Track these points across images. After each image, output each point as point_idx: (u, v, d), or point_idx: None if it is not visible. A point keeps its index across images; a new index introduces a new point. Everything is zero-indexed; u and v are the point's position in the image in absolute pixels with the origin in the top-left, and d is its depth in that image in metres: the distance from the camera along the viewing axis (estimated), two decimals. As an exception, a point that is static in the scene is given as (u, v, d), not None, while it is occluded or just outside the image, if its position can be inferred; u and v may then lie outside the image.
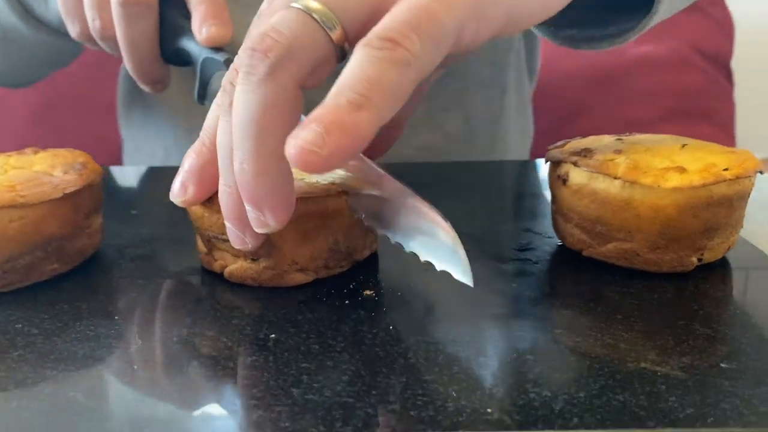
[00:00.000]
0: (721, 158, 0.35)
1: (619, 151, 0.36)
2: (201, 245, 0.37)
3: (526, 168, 0.62)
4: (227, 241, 0.33)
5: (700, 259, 0.36)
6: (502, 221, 0.45)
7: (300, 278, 0.35)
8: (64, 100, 1.36)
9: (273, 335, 0.30)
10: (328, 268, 0.36)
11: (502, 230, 0.43)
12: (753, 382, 0.26)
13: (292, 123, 0.27)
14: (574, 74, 1.31)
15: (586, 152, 0.37)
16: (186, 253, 0.39)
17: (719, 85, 1.30)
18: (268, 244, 0.33)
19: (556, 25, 0.43)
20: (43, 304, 0.33)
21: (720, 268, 0.37)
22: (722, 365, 0.27)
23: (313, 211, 0.33)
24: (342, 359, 0.28)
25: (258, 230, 0.30)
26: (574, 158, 0.37)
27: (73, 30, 0.48)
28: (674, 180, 0.34)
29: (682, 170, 0.34)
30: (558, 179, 0.38)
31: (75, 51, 0.61)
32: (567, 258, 0.38)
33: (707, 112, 1.26)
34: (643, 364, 0.27)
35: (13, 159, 0.39)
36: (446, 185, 0.54)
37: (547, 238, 0.41)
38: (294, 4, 0.27)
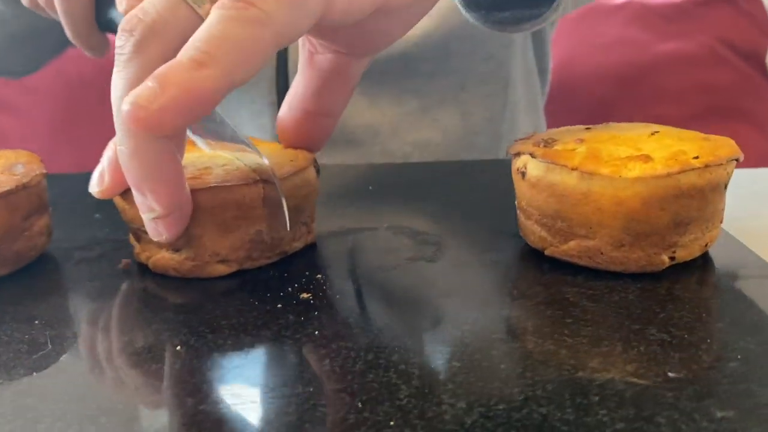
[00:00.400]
0: (692, 145, 0.32)
1: (581, 140, 0.33)
2: (132, 238, 0.36)
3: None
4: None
5: (672, 258, 0.32)
6: (473, 222, 0.42)
7: (222, 269, 0.33)
8: (83, 111, 1.38)
9: (187, 341, 0.28)
10: (252, 259, 0.34)
11: (469, 231, 0.40)
12: (699, 395, 0.23)
13: None
14: (598, 72, 1.27)
15: (546, 142, 0.34)
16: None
17: (754, 82, 1.24)
18: (187, 235, 0.32)
19: (487, 9, 0.41)
20: (-32, 309, 0.32)
21: (698, 268, 0.33)
22: (669, 374, 0.24)
23: (230, 201, 0.32)
24: (253, 368, 0.26)
25: (145, 216, 0.29)
26: (532, 149, 0.34)
27: None
28: (636, 169, 0.31)
29: (646, 159, 0.31)
30: (518, 173, 0.35)
31: (51, 28, 0.62)
32: (529, 258, 0.35)
33: (741, 111, 1.21)
34: (579, 373, 0.24)
35: (-45, 161, 0.38)
36: (427, 185, 0.51)
37: (515, 238, 0.38)
38: None
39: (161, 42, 0.26)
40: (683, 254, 0.33)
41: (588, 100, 1.26)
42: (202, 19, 0.27)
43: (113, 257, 0.38)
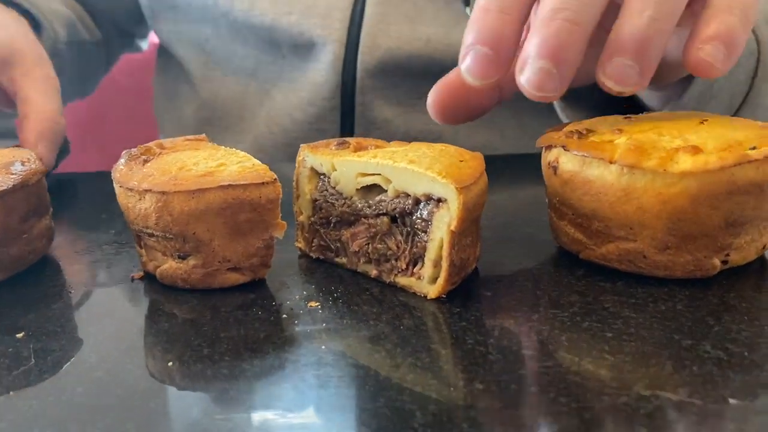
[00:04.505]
0: (747, 135, 0.28)
1: (620, 131, 0.30)
2: (137, 245, 0.33)
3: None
4: (153, 236, 0.30)
5: (725, 262, 0.29)
6: (499, 223, 0.38)
7: (234, 278, 0.31)
8: (109, 110, 1.37)
9: (180, 356, 0.25)
10: (268, 266, 0.31)
11: (495, 233, 0.37)
12: (765, 425, 0.19)
13: None
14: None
15: (581, 133, 0.31)
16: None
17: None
18: (195, 240, 0.29)
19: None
20: (-45, 319, 0.30)
21: (754, 273, 0.30)
22: (730, 401, 0.21)
23: (244, 201, 0.29)
24: (248, 387, 0.23)
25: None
26: (565, 141, 0.30)
27: None
28: (685, 162, 0.27)
29: (696, 150, 0.27)
30: (549, 167, 0.32)
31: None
32: (562, 263, 0.32)
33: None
34: (623, 399, 0.21)
35: (-51, 160, 0.36)
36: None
37: (545, 240, 0.35)
38: None
39: None
40: (737, 258, 0.29)
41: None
42: None
43: (116, 262, 0.36)
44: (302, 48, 0.57)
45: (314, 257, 0.34)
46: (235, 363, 0.24)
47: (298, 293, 0.30)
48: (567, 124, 0.34)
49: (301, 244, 0.35)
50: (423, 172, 0.28)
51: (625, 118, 0.33)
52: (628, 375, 0.22)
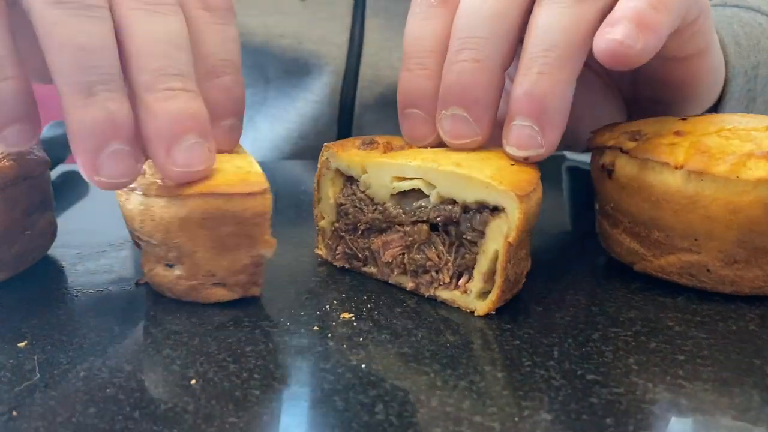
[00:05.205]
0: (826, 140, 0.26)
1: (680, 133, 0.27)
2: (136, 246, 0.30)
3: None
4: (141, 239, 0.27)
5: (796, 278, 0.27)
6: (542, 230, 0.36)
7: (220, 294, 0.27)
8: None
9: (204, 373, 0.23)
10: (258, 285, 0.28)
11: (540, 241, 0.34)
12: None
13: None
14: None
15: (638, 135, 0.28)
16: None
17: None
18: (178, 249, 0.26)
19: None
20: (-49, 324, 0.27)
21: (823, 290, 0.27)
22: (837, 440, 0.18)
23: (225, 213, 0.25)
24: (286, 408, 0.20)
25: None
26: (622, 142, 0.28)
27: None
28: (760, 169, 0.25)
29: (770, 156, 0.25)
30: (602, 171, 0.29)
31: None
32: (613, 274, 0.30)
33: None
34: (713, 435, 0.19)
35: (-56, 149, 0.33)
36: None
37: (594, 250, 0.32)
38: None
39: None
40: (809, 274, 0.27)
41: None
42: None
43: (124, 263, 0.33)
44: (292, 75, 0.53)
45: (338, 266, 0.31)
46: (266, 382, 0.22)
47: (327, 303, 0.28)
48: (615, 125, 0.31)
49: (322, 252, 0.32)
50: (477, 178, 0.25)
51: (681, 119, 0.30)
52: (712, 406, 0.20)
